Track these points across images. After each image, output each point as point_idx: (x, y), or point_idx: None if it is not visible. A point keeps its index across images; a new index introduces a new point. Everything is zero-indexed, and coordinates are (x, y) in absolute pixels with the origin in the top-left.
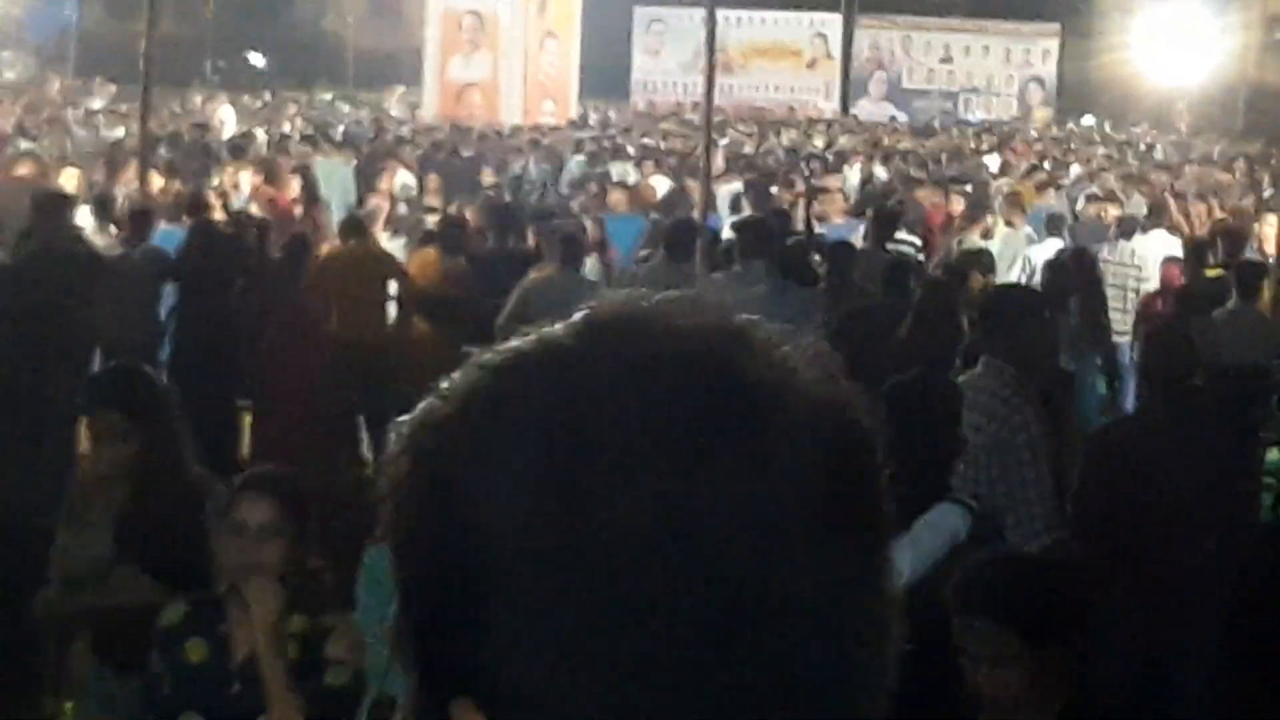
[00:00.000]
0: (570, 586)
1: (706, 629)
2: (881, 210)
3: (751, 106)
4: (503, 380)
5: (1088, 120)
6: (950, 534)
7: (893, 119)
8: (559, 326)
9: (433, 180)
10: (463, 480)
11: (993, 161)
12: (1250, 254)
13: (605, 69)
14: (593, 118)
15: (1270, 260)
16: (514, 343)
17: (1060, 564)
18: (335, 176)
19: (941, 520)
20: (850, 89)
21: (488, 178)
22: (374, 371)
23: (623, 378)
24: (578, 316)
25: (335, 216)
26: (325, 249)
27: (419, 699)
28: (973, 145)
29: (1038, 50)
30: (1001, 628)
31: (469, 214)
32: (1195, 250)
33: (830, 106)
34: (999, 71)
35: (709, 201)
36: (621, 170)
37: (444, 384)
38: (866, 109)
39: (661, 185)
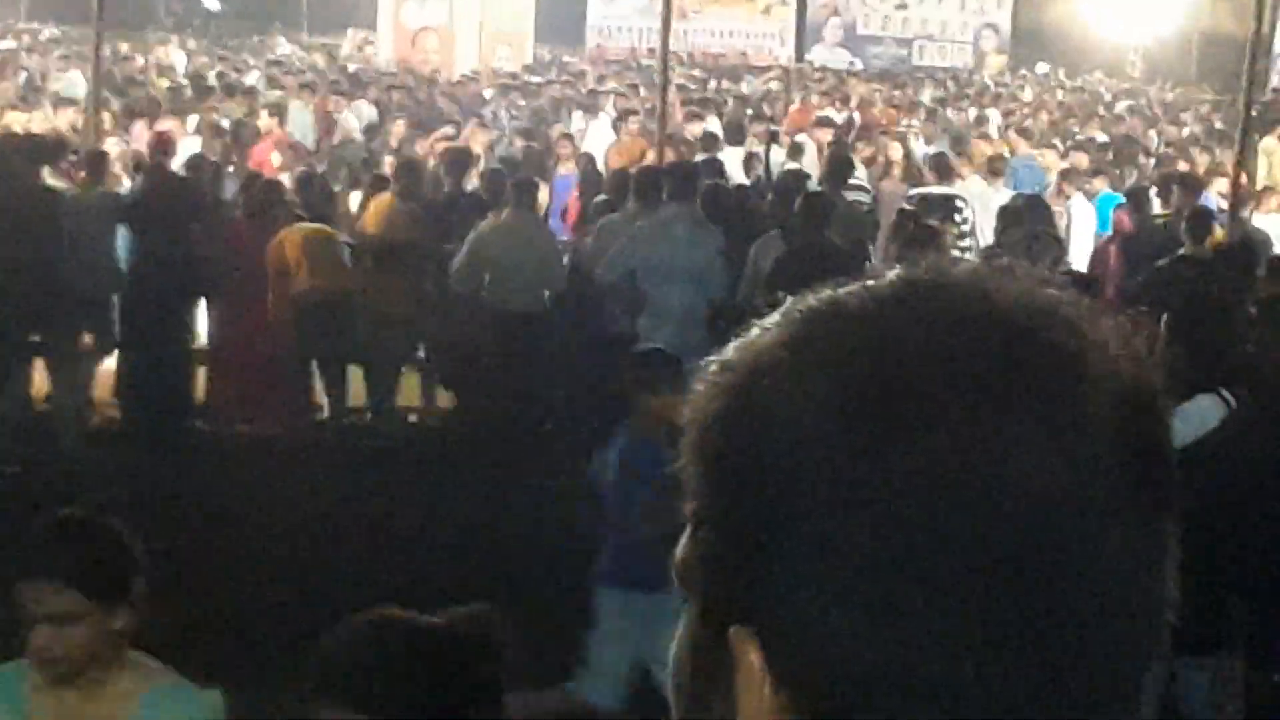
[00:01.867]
0: (867, 528)
1: (998, 583)
2: (836, 156)
3: (705, 53)
4: (823, 324)
5: (1042, 68)
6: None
7: (851, 64)
8: (878, 282)
9: (398, 126)
10: (775, 416)
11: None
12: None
13: (560, 13)
14: (549, 61)
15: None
16: (835, 292)
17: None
18: (296, 121)
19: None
20: (805, 35)
21: (449, 123)
22: (330, 317)
23: (936, 330)
24: (894, 273)
25: None
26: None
27: (699, 628)
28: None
29: None
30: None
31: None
32: (1141, 196)
33: (785, 53)
34: (954, 18)
35: (665, 144)
36: (574, 116)
37: (763, 324)
38: (822, 55)
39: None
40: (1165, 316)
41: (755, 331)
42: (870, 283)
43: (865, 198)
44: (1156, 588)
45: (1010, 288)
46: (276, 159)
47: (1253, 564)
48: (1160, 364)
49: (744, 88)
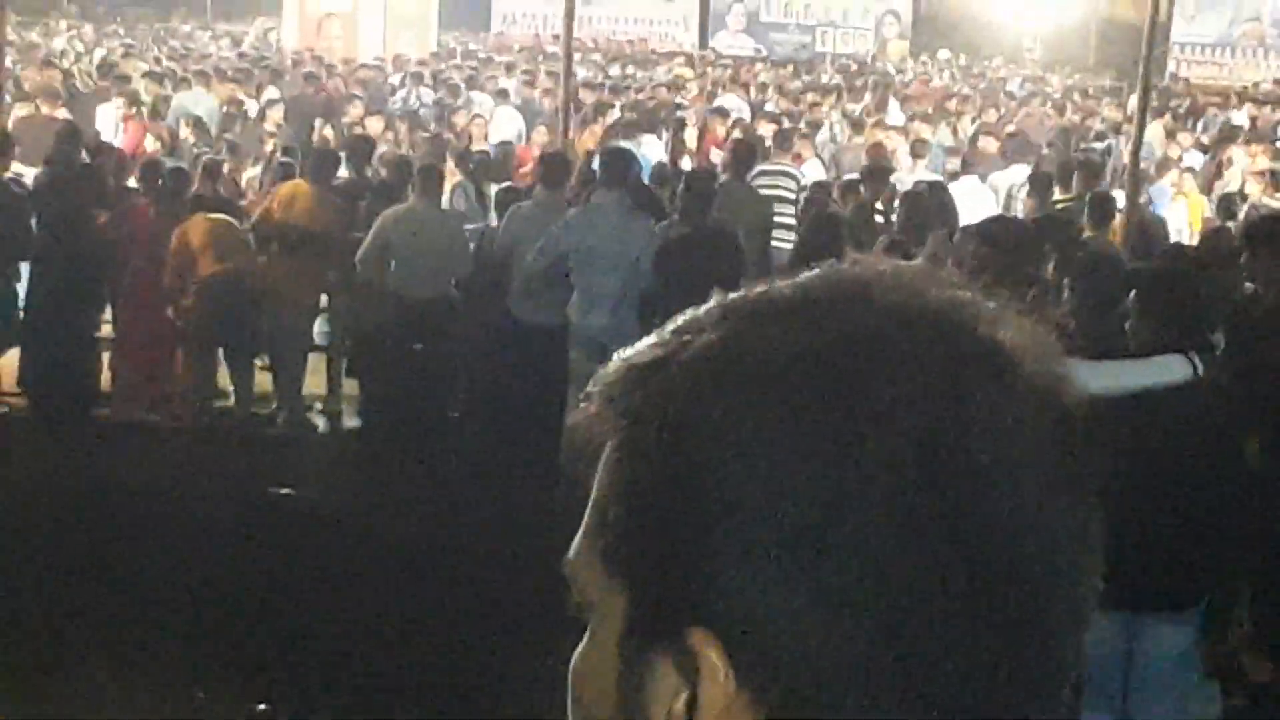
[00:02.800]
0: (822, 523)
1: (955, 579)
2: (739, 144)
3: (608, 39)
4: (761, 322)
5: (943, 54)
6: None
7: (758, 51)
8: (795, 282)
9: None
10: (720, 415)
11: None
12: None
13: (465, 1)
14: (454, 48)
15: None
16: (756, 290)
17: None
18: (201, 107)
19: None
20: (709, 22)
21: (355, 109)
22: (234, 303)
23: (874, 327)
24: (818, 270)
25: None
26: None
27: (625, 637)
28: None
29: None
30: None
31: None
32: (1043, 180)
33: (689, 39)
34: (855, 5)
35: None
36: (480, 102)
37: (676, 323)
38: (725, 42)
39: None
40: (1135, 288)
41: (681, 327)
42: (800, 279)
43: (789, 183)
44: (1087, 563)
45: (932, 284)
46: (151, 143)
47: (1217, 525)
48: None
49: (656, 75)
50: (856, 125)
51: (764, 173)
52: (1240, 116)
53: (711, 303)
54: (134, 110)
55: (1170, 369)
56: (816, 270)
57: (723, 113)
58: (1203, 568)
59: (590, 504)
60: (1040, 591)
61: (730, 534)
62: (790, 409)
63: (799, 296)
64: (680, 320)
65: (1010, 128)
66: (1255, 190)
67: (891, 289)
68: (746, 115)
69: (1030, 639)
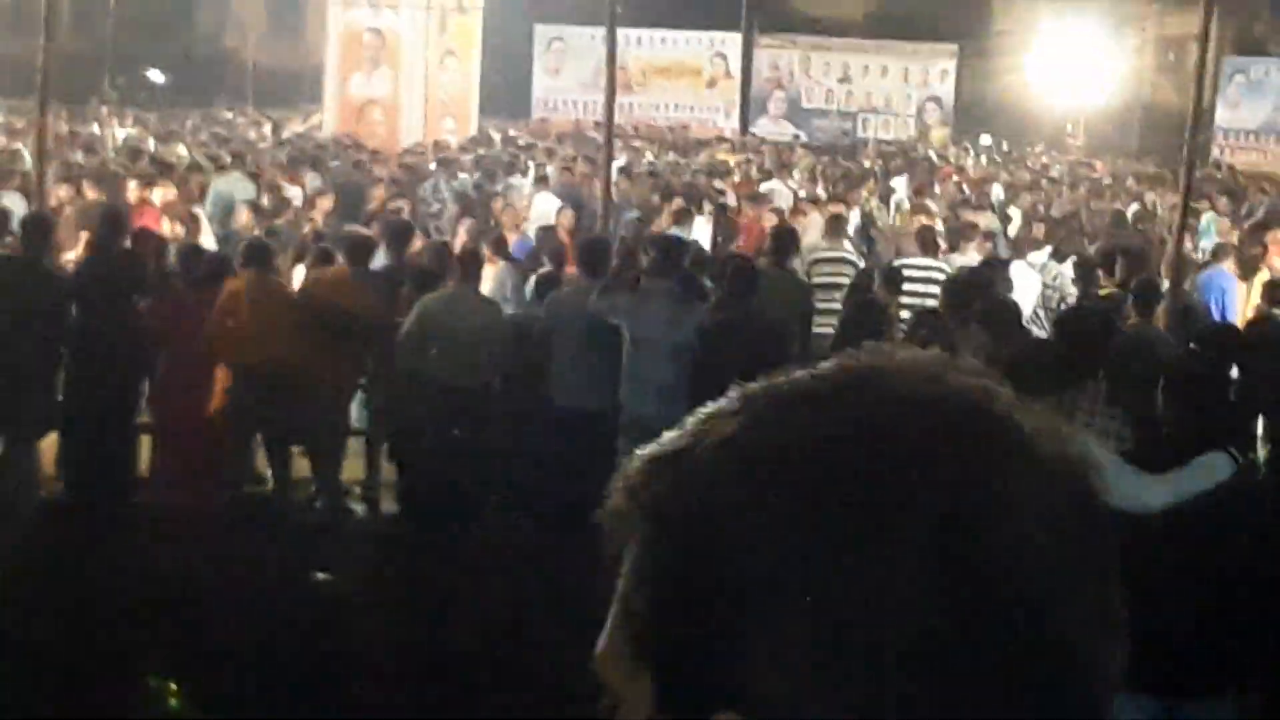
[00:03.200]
0: (851, 616)
1: (984, 659)
2: (781, 230)
3: (650, 125)
4: (773, 414)
5: (985, 140)
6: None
7: (796, 138)
8: (813, 372)
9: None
10: (748, 509)
11: (900, 184)
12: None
13: (506, 87)
14: (495, 136)
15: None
16: (775, 380)
17: None
18: (238, 190)
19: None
20: (750, 108)
21: (382, 195)
22: (275, 392)
23: (891, 413)
24: (833, 362)
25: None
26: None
27: (661, 708)
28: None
29: (935, 70)
30: None
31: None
32: (1088, 269)
33: (730, 125)
34: (897, 91)
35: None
36: (519, 187)
37: (698, 414)
38: (766, 128)
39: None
40: (1162, 383)
41: (703, 417)
42: (819, 368)
43: (849, 269)
44: (1109, 643)
45: (949, 371)
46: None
47: (1257, 614)
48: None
49: (697, 161)
50: (899, 210)
51: (822, 260)
52: None
53: (732, 393)
54: (149, 191)
55: (1215, 469)
56: (834, 359)
57: (766, 198)
58: (1240, 655)
59: (616, 596)
60: (1065, 670)
61: (756, 620)
62: (809, 497)
63: (816, 385)
64: (702, 411)
65: (1055, 212)
66: None
67: (908, 376)
68: (788, 201)
69: (1056, 716)
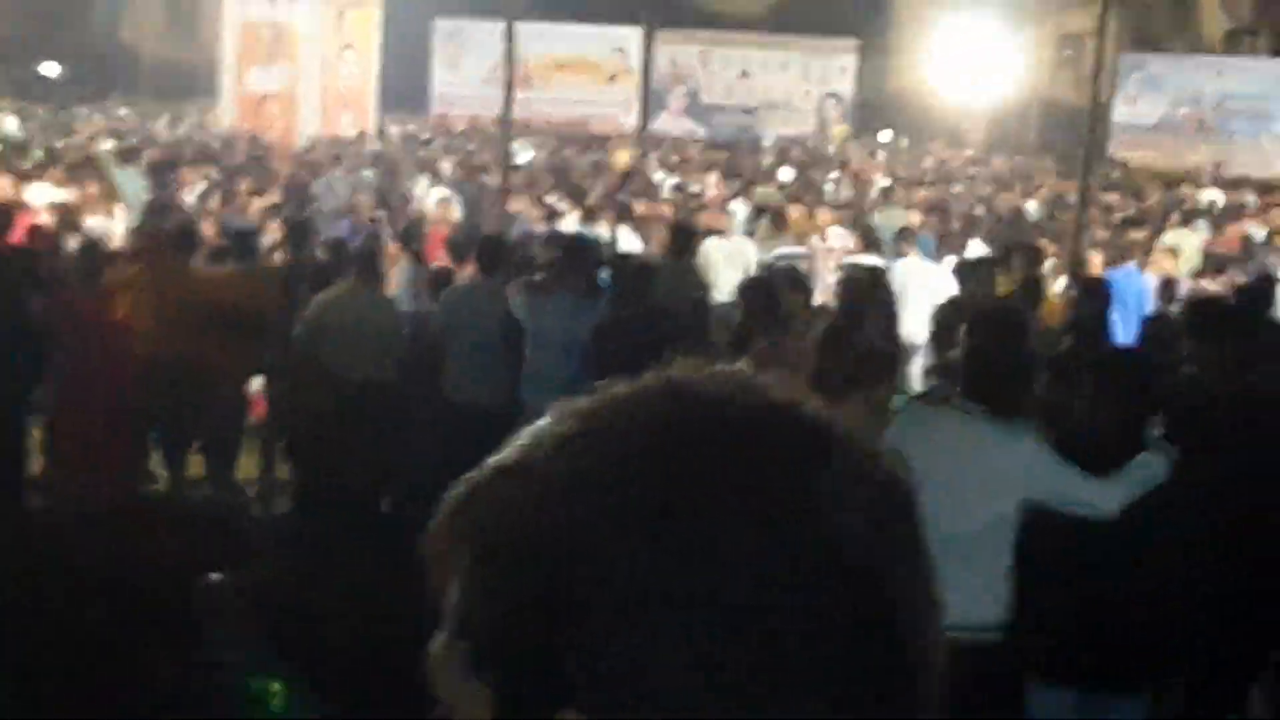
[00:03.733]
0: (678, 616)
1: (816, 641)
2: (679, 225)
3: (549, 120)
4: (598, 432)
5: (885, 136)
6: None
7: (691, 133)
8: (634, 385)
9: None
10: (572, 526)
11: (785, 173)
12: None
13: (405, 82)
14: (394, 130)
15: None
16: (596, 396)
17: None
18: (128, 186)
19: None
20: (650, 104)
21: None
22: (170, 387)
23: (708, 423)
24: (650, 376)
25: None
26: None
27: (500, 714)
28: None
29: (835, 66)
30: None
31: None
32: (986, 263)
33: (630, 121)
34: (797, 87)
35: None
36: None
37: (526, 435)
38: (666, 123)
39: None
40: (1091, 374)
41: (532, 433)
42: (640, 382)
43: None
44: (932, 620)
45: (759, 383)
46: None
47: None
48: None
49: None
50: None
51: (785, 256)
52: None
53: (559, 409)
54: (27, 186)
55: (1154, 470)
56: (650, 374)
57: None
58: (1159, 654)
59: (451, 609)
60: (894, 651)
61: (598, 627)
62: (640, 505)
63: (640, 396)
64: (533, 427)
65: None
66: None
67: (723, 385)
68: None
69: (891, 688)
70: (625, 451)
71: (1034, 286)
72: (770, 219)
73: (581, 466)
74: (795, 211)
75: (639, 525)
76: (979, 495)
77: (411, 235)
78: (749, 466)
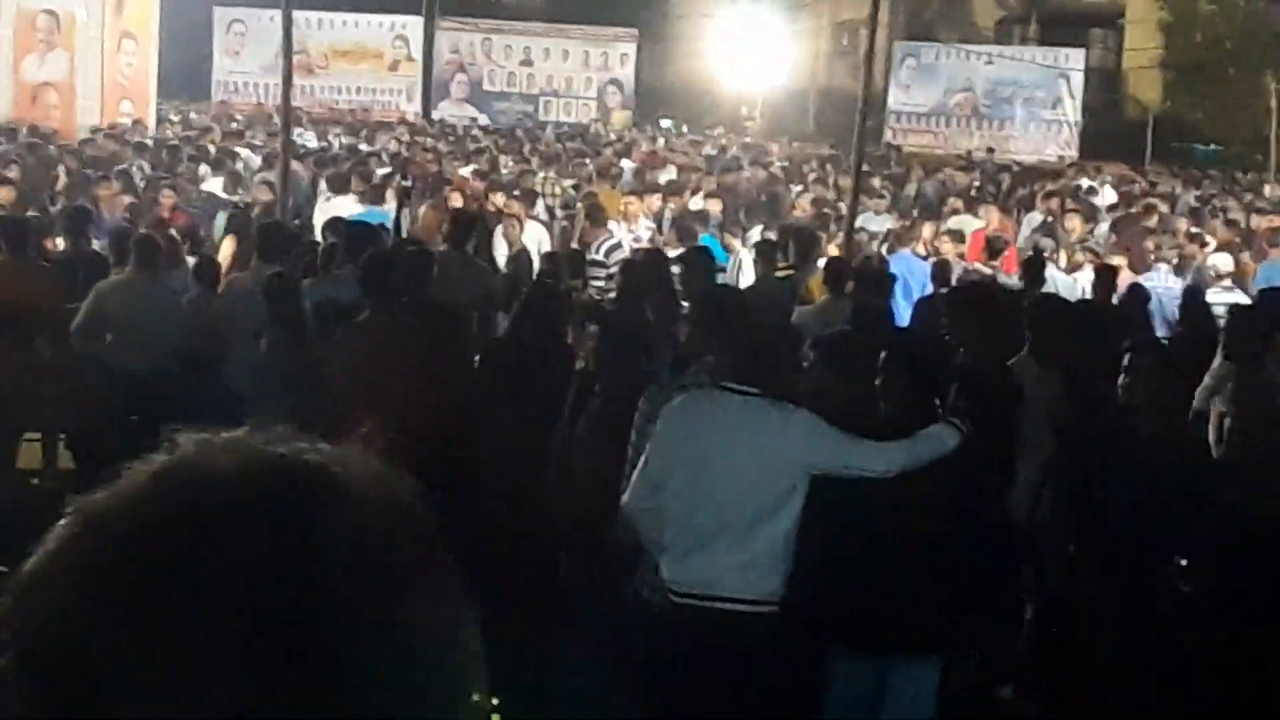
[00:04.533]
0: (177, 703)
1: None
2: (459, 214)
3: (331, 108)
4: (99, 531)
5: (665, 123)
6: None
7: (474, 120)
8: (142, 469)
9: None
10: (81, 633)
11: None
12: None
13: (185, 69)
14: (174, 119)
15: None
16: (103, 492)
17: None
18: None
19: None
20: (432, 92)
21: (61, 179)
22: None
23: (197, 504)
24: (152, 470)
25: None
26: None
27: None
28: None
29: (615, 54)
30: None
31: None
32: (764, 250)
33: (412, 109)
34: (578, 75)
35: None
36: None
37: (46, 540)
38: (448, 111)
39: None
40: (883, 354)
41: (54, 538)
42: (146, 466)
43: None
44: (457, 656)
45: (252, 455)
46: None
47: (962, 576)
48: None
49: (379, 144)
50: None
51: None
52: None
53: (70, 508)
54: None
55: (944, 440)
56: (154, 467)
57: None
58: (945, 620)
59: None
60: (410, 694)
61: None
62: (138, 603)
63: (139, 486)
64: (53, 531)
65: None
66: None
67: (221, 456)
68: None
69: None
70: (125, 547)
71: (837, 269)
72: (588, 211)
73: (89, 565)
74: (604, 196)
75: (139, 623)
76: (756, 473)
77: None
78: (236, 541)
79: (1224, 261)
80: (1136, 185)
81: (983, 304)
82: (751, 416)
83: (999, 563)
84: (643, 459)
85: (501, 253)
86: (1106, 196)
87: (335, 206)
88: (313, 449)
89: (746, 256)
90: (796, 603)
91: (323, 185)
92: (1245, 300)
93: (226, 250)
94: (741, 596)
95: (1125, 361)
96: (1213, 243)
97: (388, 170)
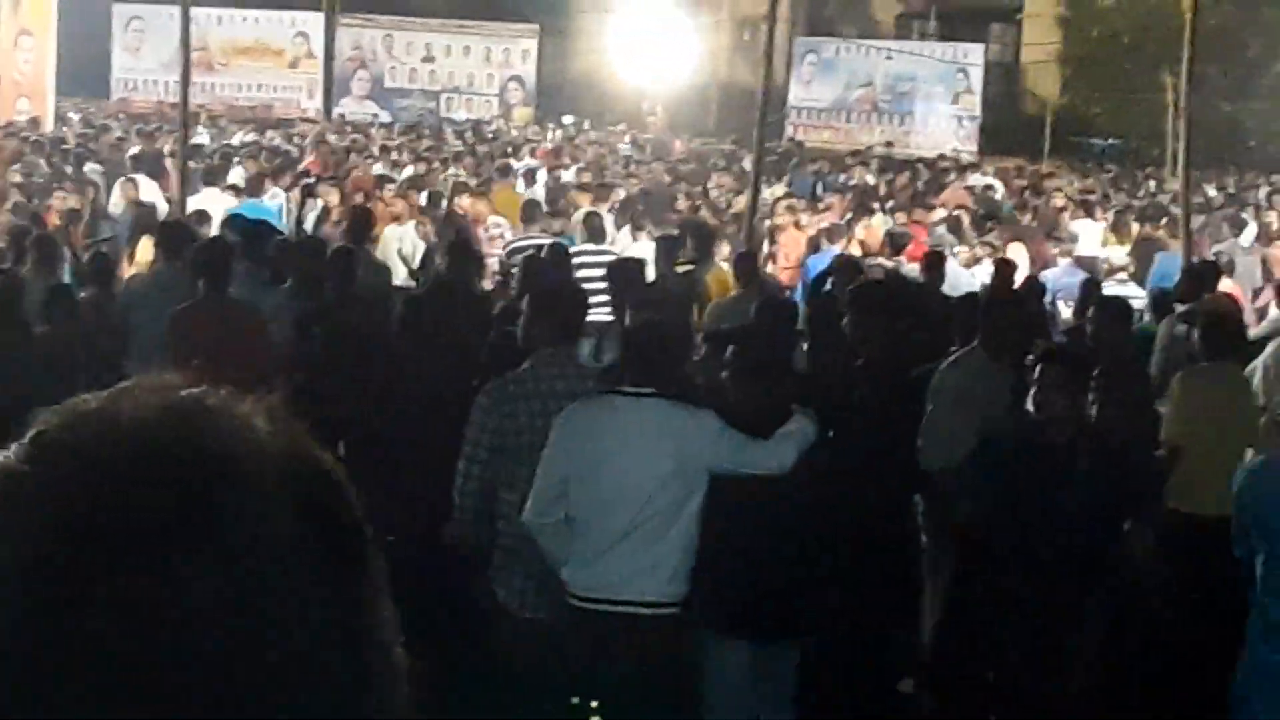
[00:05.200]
0: (70, 685)
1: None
2: (358, 211)
3: (232, 105)
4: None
5: (568, 119)
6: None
7: (375, 117)
8: (14, 451)
9: None
10: None
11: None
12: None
13: (83, 65)
14: (74, 116)
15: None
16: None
17: None
18: None
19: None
20: (334, 88)
21: None
22: None
23: (81, 496)
24: (28, 438)
25: None
26: None
27: None
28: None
29: (517, 50)
30: None
31: None
32: (667, 245)
33: (313, 105)
34: (480, 71)
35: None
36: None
37: None
38: (350, 108)
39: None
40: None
41: None
42: (9, 454)
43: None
44: (366, 644)
45: (146, 409)
46: None
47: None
48: None
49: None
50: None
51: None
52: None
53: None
54: None
55: (809, 432)
56: (30, 434)
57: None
58: (811, 604)
59: None
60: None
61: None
62: (16, 584)
63: (7, 476)
64: None
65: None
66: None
67: (102, 436)
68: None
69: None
70: (24, 517)
71: (747, 262)
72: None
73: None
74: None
75: (19, 591)
76: (660, 475)
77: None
78: (126, 523)
79: (1117, 255)
80: (1034, 179)
81: (881, 303)
82: (651, 418)
83: (874, 556)
84: (539, 473)
85: (406, 250)
86: (1003, 191)
87: (204, 199)
88: (216, 407)
89: (649, 252)
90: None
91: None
92: (1140, 293)
93: (146, 248)
94: (646, 599)
95: (1036, 372)
96: (1105, 234)
97: (284, 165)
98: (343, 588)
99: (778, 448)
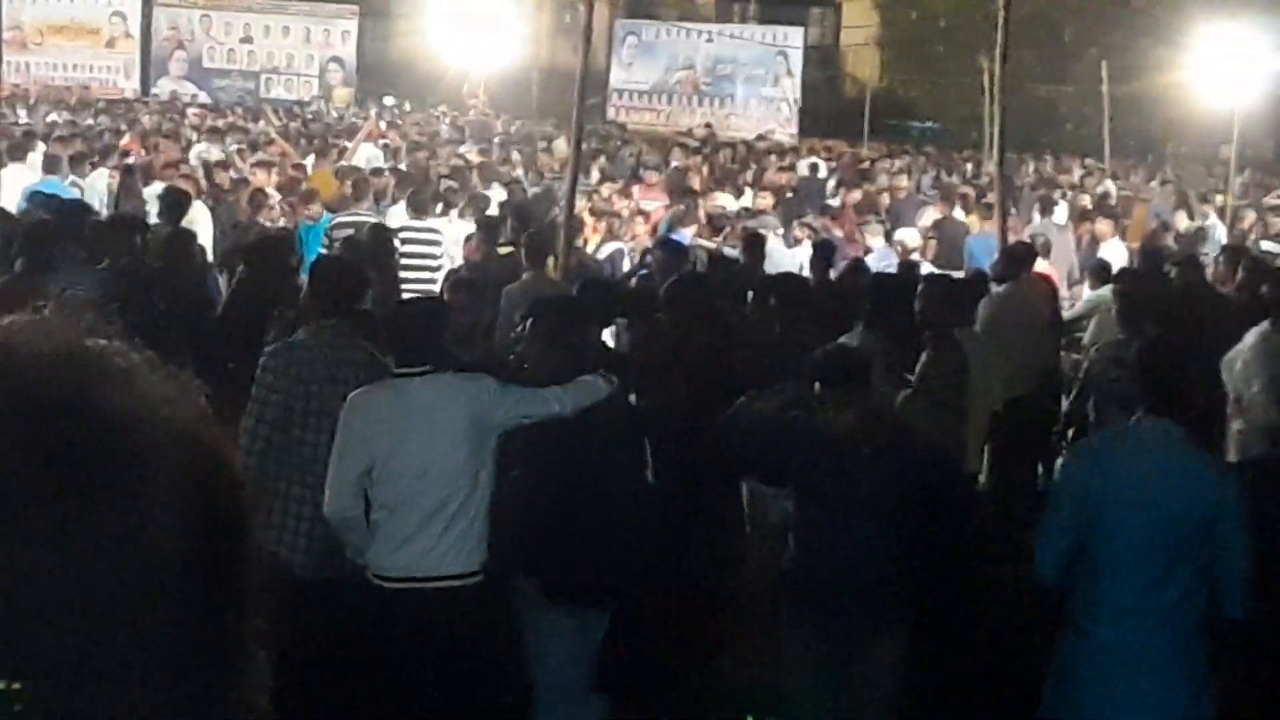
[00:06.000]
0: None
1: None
2: (171, 191)
3: (48, 85)
4: None
5: (389, 100)
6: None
7: (194, 97)
8: None
9: None
10: None
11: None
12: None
13: None
14: None
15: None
16: None
17: None
18: None
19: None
20: (151, 69)
21: None
22: None
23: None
24: None
25: None
26: None
27: None
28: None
29: (337, 31)
30: None
31: None
32: (489, 225)
33: (131, 86)
34: (299, 52)
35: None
36: None
37: None
38: (167, 88)
39: None
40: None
41: None
42: None
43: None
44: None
45: (47, 346)
46: None
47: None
48: None
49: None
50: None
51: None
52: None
53: None
54: None
55: (598, 387)
56: None
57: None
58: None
59: None
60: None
61: None
62: None
63: None
64: None
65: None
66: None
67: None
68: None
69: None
70: None
71: (534, 245)
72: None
73: None
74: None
75: None
76: (452, 447)
77: None
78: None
79: (910, 236)
80: (851, 160)
81: (697, 303)
82: (437, 393)
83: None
84: (334, 465)
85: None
86: (824, 172)
87: (10, 175)
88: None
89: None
90: (497, 564)
91: None
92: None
93: None
94: (457, 572)
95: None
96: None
97: (107, 147)
98: (220, 561)
99: (561, 394)
